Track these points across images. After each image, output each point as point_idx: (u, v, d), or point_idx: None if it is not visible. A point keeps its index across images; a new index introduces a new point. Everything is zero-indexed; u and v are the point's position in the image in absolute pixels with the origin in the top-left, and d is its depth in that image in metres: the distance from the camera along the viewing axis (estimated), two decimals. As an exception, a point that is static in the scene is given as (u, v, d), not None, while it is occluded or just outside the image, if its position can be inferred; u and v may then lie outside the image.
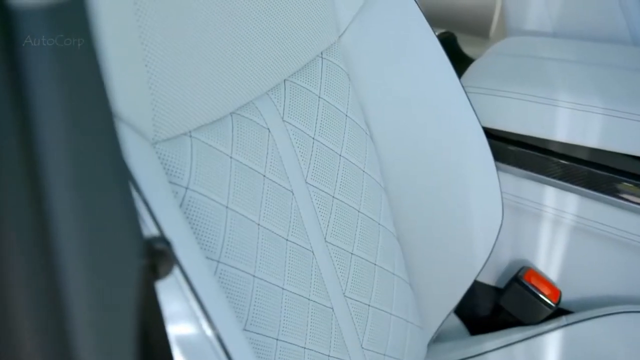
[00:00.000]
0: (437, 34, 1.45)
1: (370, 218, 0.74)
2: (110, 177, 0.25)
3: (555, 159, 0.83)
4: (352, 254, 0.71)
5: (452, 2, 1.70)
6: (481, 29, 1.65)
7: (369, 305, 0.73)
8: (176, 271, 0.41)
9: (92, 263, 0.23)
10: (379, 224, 0.76)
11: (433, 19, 1.72)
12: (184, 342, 0.41)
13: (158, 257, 0.37)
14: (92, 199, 0.23)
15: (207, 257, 0.53)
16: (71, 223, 0.21)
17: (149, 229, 0.40)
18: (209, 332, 0.42)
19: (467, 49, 1.52)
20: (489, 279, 0.96)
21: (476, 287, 0.97)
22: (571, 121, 0.80)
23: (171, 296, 0.41)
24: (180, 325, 0.41)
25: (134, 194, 0.41)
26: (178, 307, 0.41)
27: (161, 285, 0.40)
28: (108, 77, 0.43)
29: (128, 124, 0.46)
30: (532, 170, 0.85)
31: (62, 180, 0.21)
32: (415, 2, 0.76)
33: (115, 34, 0.46)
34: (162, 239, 0.36)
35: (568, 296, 0.89)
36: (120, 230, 0.26)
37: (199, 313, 0.41)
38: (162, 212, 0.42)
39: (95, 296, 0.23)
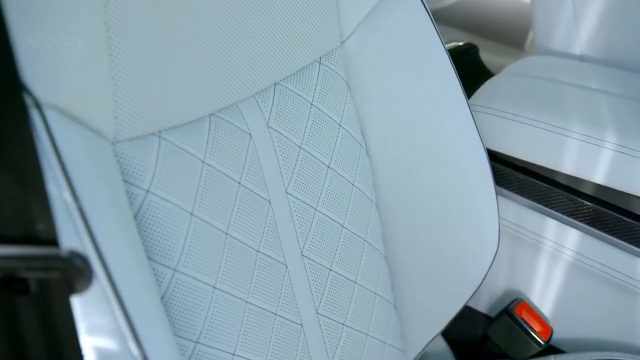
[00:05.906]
0: (459, 44, 1.40)
1: (355, 234, 0.71)
2: None
3: (560, 191, 0.78)
4: (330, 270, 0.68)
5: (489, 8, 1.65)
6: (516, 40, 1.60)
7: (343, 325, 0.70)
8: (106, 285, 0.39)
9: None
10: (365, 240, 0.73)
11: (467, 24, 1.67)
12: (104, 359, 0.39)
13: (73, 273, 0.35)
14: None
15: (163, 265, 0.51)
16: None
17: (82, 241, 0.38)
18: (135, 351, 0.39)
19: (496, 58, 1.47)
20: (480, 306, 0.92)
21: (467, 313, 0.94)
22: (581, 154, 0.75)
23: (96, 311, 0.38)
24: (103, 342, 0.39)
25: (70, 200, 0.39)
26: (102, 323, 0.39)
27: (85, 299, 0.37)
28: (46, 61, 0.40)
29: (77, 120, 0.43)
30: (535, 200, 0.81)
31: None
32: (428, 13, 0.72)
33: (74, 15, 0.42)
34: (79, 255, 0.34)
35: (560, 334, 0.85)
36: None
37: (126, 331, 0.39)
38: (101, 221, 0.40)
39: None
